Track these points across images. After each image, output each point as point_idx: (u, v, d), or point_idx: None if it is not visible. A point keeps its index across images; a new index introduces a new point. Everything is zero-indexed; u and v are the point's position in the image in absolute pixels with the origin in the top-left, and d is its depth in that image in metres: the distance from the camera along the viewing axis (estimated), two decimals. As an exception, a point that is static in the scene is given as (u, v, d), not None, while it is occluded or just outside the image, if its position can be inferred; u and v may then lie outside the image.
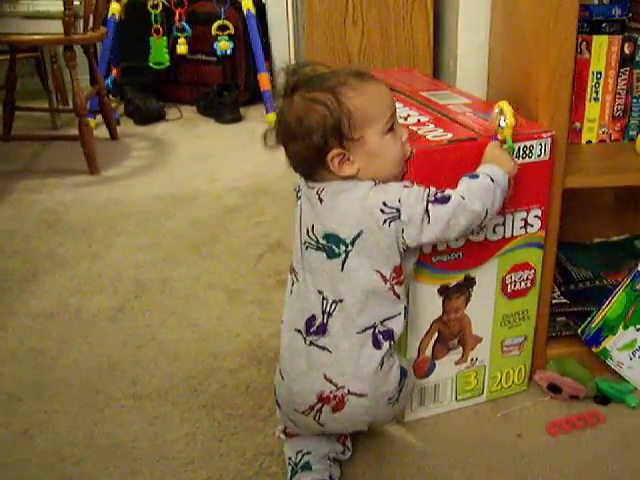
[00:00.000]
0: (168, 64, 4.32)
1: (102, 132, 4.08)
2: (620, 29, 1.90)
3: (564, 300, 1.98)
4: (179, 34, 4.25)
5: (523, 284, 1.76)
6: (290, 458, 1.62)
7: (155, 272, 2.59)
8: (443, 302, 1.68)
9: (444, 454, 1.72)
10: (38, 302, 2.42)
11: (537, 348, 1.90)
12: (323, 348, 1.46)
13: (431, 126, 1.63)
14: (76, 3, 3.30)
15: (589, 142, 1.97)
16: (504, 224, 1.66)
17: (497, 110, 1.56)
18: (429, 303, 1.67)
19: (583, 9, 1.89)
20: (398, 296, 1.48)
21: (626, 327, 1.90)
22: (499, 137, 1.55)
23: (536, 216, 1.70)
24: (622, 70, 1.91)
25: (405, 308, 1.50)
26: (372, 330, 1.46)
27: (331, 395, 1.45)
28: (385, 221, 1.40)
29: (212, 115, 4.30)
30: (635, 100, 1.94)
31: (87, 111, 3.53)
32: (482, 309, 1.74)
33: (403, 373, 1.52)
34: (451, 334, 1.73)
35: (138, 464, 1.73)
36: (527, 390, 1.91)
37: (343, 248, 1.42)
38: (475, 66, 2.11)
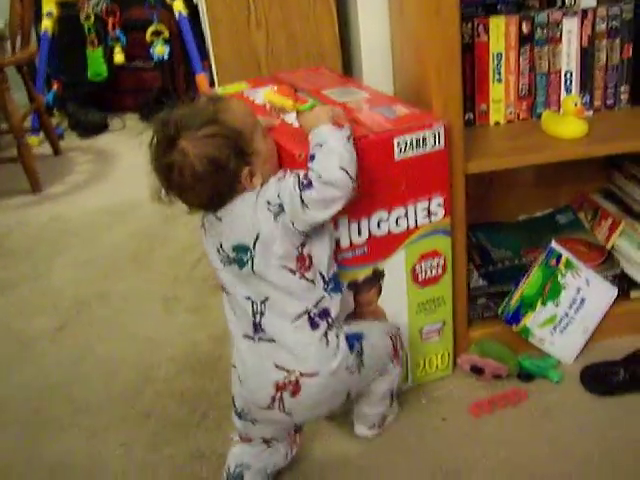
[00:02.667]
0: (106, 74, 4.30)
1: (46, 148, 4.07)
2: (516, 9, 1.94)
3: (483, 282, 2.02)
4: (114, 43, 4.23)
5: (434, 271, 1.80)
6: (229, 466, 1.65)
7: (95, 287, 2.62)
8: (354, 297, 1.72)
9: (368, 443, 1.76)
10: (-22, 327, 2.44)
11: (458, 332, 1.94)
12: (269, 340, 1.52)
13: (324, 126, 1.66)
14: (0, 25, 3.30)
15: (497, 123, 2.01)
16: (406, 215, 1.69)
17: (268, 105, 1.61)
18: (340, 299, 1.69)
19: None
20: (312, 282, 1.52)
21: (544, 303, 1.95)
22: (296, 113, 1.58)
23: (439, 204, 1.73)
24: (523, 49, 1.95)
25: (325, 289, 1.54)
26: (306, 316, 1.51)
27: (286, 381, 1.50)
28: (275, 217, 1.46)
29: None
30: (539, 78, 1.98)
31: (27, 130, 3.52)
32: (395, 300, 1.77)
33: (354, 339, 1.57)
34: (368, 327, 1.76)
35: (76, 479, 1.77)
36: (452, 374, 1.95)
37: (249, 254, 1.48)
38: (380, 60, 2.14)
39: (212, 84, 4.00)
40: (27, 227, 3.19)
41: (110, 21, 4.23)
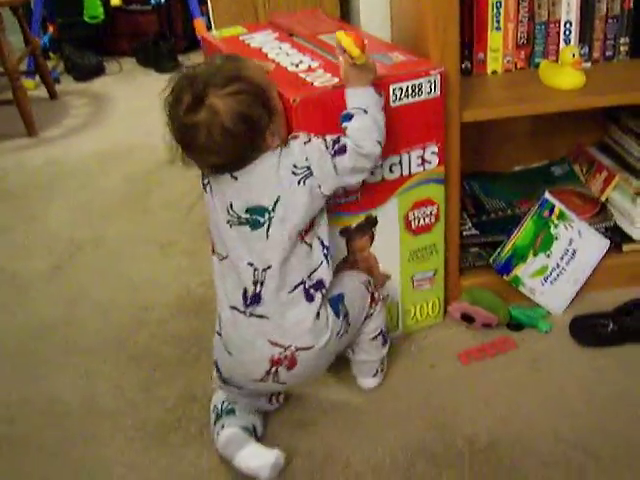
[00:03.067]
0: (103, 17, 4.27)
1: (43, 92, 4.05)
2: (517, -45, 1.92)
3: (475, 231, 2.03)
4: (111, -15, 4.20)
5: (427, 219, 1.80)
6: (215, 406, 1.66)
7: (90, 230, 2.62)
8: (347, 243, 1.72)
9: (357, 390, 1.78)
10: (-27, 269, 2.45)
11: (450, 280, 1.95)
12: (261, 316, 1.49)
13: (320, 72, 1.66)
14: (-4, -36, 3.27)
15: (494, 72, 2.00)
16: (400, 163, 1.70)
17: (337, 44, 1.57)
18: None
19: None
20: (310, 245, 1.52)
21: (536, 254, 1.96)
22: (352, 60, 1.53)
23: (433, 152, 1.73)
24: (523, -3, 1.92)
25: (325, 255, 1.54)
26: (302, 286, 1.50)
27: (282, 356, 1.50)
28: (299, 181, 1.45)
29: (151, 65, 4.27)
30: (538, 27, 1.97)
31: (22, 73, 3.50)
32: (388, 247, 1.78)
33: (337, 302, 1.57)
34: (360, 273, 1.77)
35: (69, 418, 1.79)
36: (443, 322, 1.97)
37: (267, 216, 1.46)
38: (378, 7, 2.12)
39: (209, 29, 3.97)
40: (23, 170, 3.18)
41: (108, -38, 4.19)
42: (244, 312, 1.51)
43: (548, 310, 1.97)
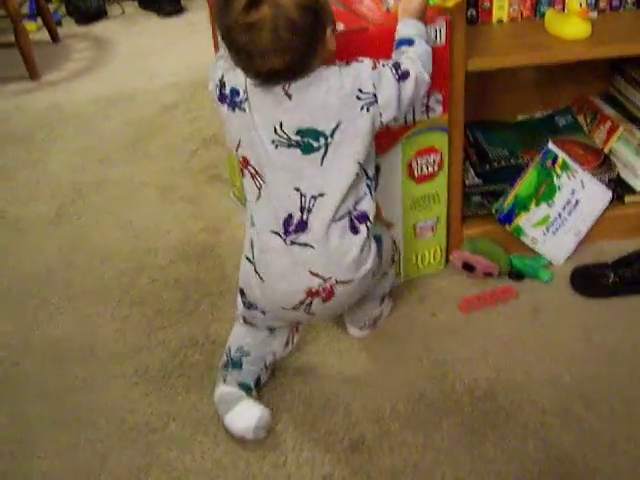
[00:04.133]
0: (106, -41, 4.22)
1: (44, 35, 4.01)
2: None
3: (478, 180, 2.02)
4: None
5: (430, 168, 1.80)
6: (230, 349, 1.65)
7: (91, 175, 2.62)
8: (350, 190, 1.71)
9: (359, 339, 1.80)
10: (-25, 213, 2.46)
11: (452, 229, 1.95)
12: (305, 245, 1.44)
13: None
14: None
15: (500, 21, 1.98)
16: (404, 110, 1.68)
17: None
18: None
19: None
20: (357, 175, 1.44)
21: (538, 204, 1.96)
22: None
23: (437, 101, 1.73)
24: (531, -58, 1.90)
25: (368, 187, 1.49)
26: (348, 217, 1.45)
27: (320, 288, 1.46)
28: (362, 107, 1.40)
29: (153, 9, 4.22)
30: (546, -25, 1.94)
31: (24, 16, 3.45)
32: (391, 195, 1.78)
33: (379, 242, 1.55)
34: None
35: (70, 362, 1.81)
36: (444, 270, 1.98)
37: (322, 141, 1.39)
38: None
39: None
40: (24, 113, 3.16)
41: None
42: (284, 239, 1.44)
43: (549, 260, 1.97)
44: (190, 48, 3.59)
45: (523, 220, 1.95)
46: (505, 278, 1.93)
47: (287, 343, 1.68)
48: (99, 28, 4.10)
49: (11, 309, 2.00)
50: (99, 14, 4.21)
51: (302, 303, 1.48)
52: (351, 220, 1.46)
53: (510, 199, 1.94)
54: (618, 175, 2.07)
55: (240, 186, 2.18)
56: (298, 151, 1.40)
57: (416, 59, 1.45)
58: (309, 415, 1.61)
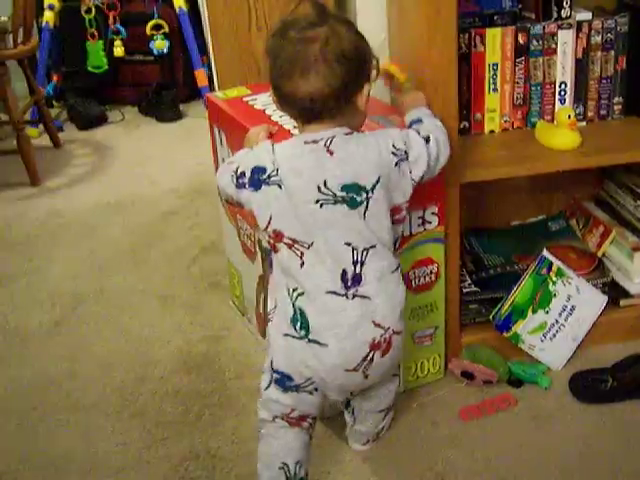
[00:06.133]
0: (106, 67, 4.33)
1: (46, 140, 4.09)
2: (512, 20, 1.96)
3: (475, 288, 2.05)
4: (114, 36, 4.26)
5: (427, 278, 1.83)
6: (287, 465, 1.56)
7: (92, 283, 2.64)
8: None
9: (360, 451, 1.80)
10: (-24, 321, 2.47)
11: (451, 337, 1.97)
12: (364, 297, 1.45)
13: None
14: (4, 18, 3.33)
15: (492, 132, 2.04)
16: (401, 224, 1.72)
17: (385, 75, 1.68)
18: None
19: (474, 3, 1.95)
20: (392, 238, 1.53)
21: (535, 311, 1.98)
22: (402, 86, 1.68)
23: (433, 213, 1.77)
24: (518, 60, 1.97)
25: (394, 244, 1.54)
26: (399, 268, 1.51)
27: (381, 339, 1.46)
28: (397, 163, 1.46)
29: (153, 115, 4.32)
30: (534, 88, 2.01)
31: (27, 122, 3.53)
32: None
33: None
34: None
35: (71, 477, 1.80)
36: (444, 378, 1.99)
37: (364, 195, 1.42)
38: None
39: (210, 79, 4.03)
40: (25, 220, 3.20)
41: (111, 14, 4.27)
42: (345, 295, 1.44)
43: (548, 366, 1.98)
44: (189, 154, 3.67)
45: (520, 327, 1.97)
46: (504, 384, 1.94)
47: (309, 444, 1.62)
48: (100, 133, 4.19)
49: (11, 421, 2.00)
50: (100, 120, 4.32)
51: (365, 359, 1.46)
52: (400, 271, 1.51)
53: (507, 307, 1.96)
54: (612, 279, 2.10)
55: (240, 295, 2.22)
56: (345, 207, 1.43)
57: (431, 130, 1.56)
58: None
